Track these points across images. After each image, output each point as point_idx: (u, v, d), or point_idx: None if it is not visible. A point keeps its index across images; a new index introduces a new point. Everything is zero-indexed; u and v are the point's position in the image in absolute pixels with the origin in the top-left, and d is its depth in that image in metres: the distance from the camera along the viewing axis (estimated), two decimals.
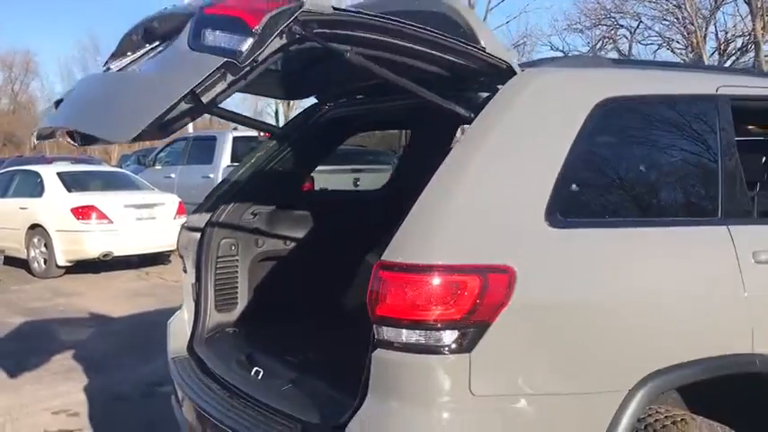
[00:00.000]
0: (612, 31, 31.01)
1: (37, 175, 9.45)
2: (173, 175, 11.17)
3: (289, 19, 1.57)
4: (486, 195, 1.71)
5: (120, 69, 1.91)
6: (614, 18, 29.97)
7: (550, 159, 1.78)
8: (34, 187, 9.28)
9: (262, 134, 8.56)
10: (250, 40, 1.56)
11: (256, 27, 1.56)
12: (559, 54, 30.97)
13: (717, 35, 29.91)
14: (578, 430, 1.67)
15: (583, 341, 1.70)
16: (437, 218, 1.67)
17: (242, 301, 2.71)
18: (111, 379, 4.62)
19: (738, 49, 35.07)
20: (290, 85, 2.63)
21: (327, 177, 8.43)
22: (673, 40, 34.17)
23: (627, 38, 34.28)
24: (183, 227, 2.72)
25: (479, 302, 1.59)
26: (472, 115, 1.82)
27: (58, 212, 8.78)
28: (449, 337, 1.59)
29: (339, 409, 1.74)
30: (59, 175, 9.34)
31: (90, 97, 1.87)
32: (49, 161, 12.46)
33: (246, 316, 2.67)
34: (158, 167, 12.12)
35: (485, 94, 1.92)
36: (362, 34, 1.70)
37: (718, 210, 2.03)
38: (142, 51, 1.92)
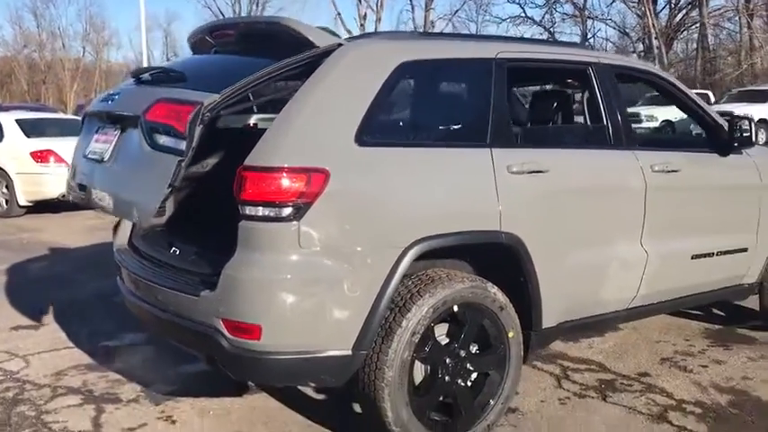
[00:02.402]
0: None
1: None
2: None
3: (199, 115, 2.54)
4: (313, 123, 2.63)
5: (109, 157, 3.01)
6: None
7: (360, 102, 2.71)
8: None
9: None
10: (184, 142, 2.54)
11: (184, 132, 2.54)
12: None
13: None
14: (369, 271, 2.62)
15: (374, 215, 2.64)
16: (280, 137, 2.59)
17: (169, 210, 3.62)
18: (71, 291, 5.51)
19: (689, 3, 36.42)
20: None
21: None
22: None
23: None
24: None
25: (305, 191, 2.53)
26: None
27: (18, 156, 9.49)
28: (286, 212, 2.52)
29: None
30: (18, 121, 9.99)
31: (112, 190, 2.95)
32: (6, 109, 12.99)
33: (172, 219, 3.58)
34: None
35: None
36: (240, 92, 2.65)
37: (487, 138, 3.00)
38: (114, 139, 3.04)
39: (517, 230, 2.97)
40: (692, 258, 3.75)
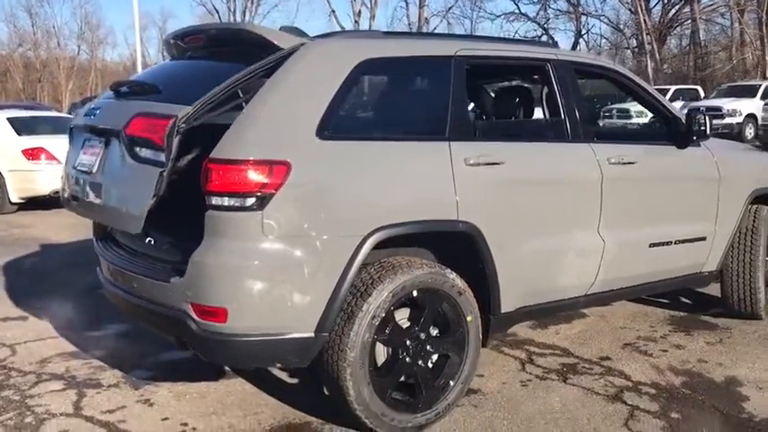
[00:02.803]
0: None
1: None
2: None
3: (175, 128, 2.70)
4: (276, 118, 2.78)
5: (96, 169, 3.20)
6: None
7: (321, 98, 2.86)
8: None
9: None
10: (162, 154, 2.72)
11: (162, 145, 2.71)
12: None
13: None
14: (330, 258, 2.77)
15: (334, 205, 2.79)
16: (244, 131, 2.74)
17: None
18: (59, 284, 5.65)
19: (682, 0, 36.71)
20: None
21: None
22: None
23: None
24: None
25: (268, 182, 2.68)
26: None
27: (10, 154, 9.62)
28: (250, 201, 2.68)
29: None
30: (9, 120, 10.13)
31: (102, 200, 3.17)
32: None
33: (151, 213, 3.73)
34: None
35: None
36: (211, 101, 2.78)
37: (446, 132, 3.15)
38: (99, 152, 3.23)
39: (474, 219, 3.12)
40: (651, 246, 3.91)
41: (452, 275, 3.10)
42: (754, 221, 4.43)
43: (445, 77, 3.21)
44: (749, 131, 19.72)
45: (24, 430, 3.13)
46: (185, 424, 3.18)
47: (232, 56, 3.12)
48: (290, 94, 2.85)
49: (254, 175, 2.68)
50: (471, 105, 4.23)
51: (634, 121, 19.44)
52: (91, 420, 3.23)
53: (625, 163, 3.71)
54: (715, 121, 20.36)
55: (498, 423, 3.18)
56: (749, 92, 21.27)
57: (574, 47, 42.79)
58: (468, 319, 3.16)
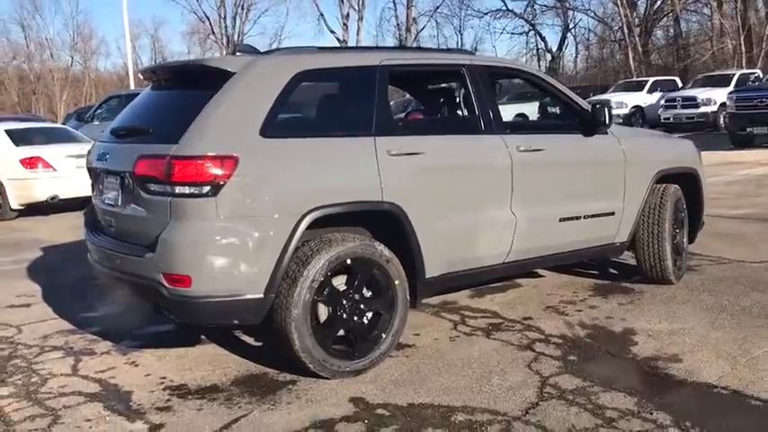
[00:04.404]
0: None
1: None
2: None
3: (170, 163, 3.35)
4: (226, 121, 3.45)
5: (121, 203, 3.82)
6: None
7: (264, 103, 3.53)
8: None
9: None
10: (168, 186, 3.37)
11: (164, 179, 3.36)
12: None
13: None
14: (274, 233, 3.42)
15: (276, 190, 3.44)
16: (201, 132, 3.41)
17: None
18: (58, 276, 6.33)
19: None
20: None
21: None
22: None
23: None
24: (91, 152, 4.42)
25: (220, 173, 3.34)
26: None
27: (9, 163, 10.29)
28: (206, 189, 3.33)
29: None
30: (7, 131, 10.79)
31: (133, 228, 3.73)
32: None
33: None
34: (96, 123, 13.67)
35: None
36: None
37: (372, 128, 3.81)
38: (118, 188, 3.83)
39: (397, 200, 3.77)
40: (561, 221, 4.57)
41: (381, 246, 3.75)
42: (661, 198, 5.07)
43: (371, 83, 3.87)
44: (723, 120, 20.34)
45: (32, 387, 3.78)
46: (164, 377, 3.84)
47: (197, 84, 3.81)
48: (237, 101, 3.52)
49: (209, 168, 3.35)
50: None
51: (614, 112, 20.07)
52: (86, 378, 3.88)
53: (533, 150, 4.37)
54: (690, 111, 21.13)
55: (424, 367, 3.84)
56: (724, 81, 21.90)
57: (561, 42, 43.59)
58: (396, 282, 3.81)
